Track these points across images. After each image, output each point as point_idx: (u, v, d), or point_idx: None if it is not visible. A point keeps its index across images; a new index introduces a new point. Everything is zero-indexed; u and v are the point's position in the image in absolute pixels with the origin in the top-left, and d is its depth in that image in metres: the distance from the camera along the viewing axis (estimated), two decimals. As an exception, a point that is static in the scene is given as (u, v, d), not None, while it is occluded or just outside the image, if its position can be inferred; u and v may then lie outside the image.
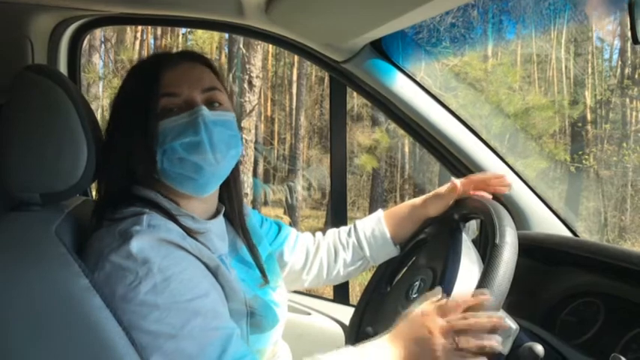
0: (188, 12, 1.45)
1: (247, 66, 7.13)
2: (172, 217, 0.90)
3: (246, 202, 1.16)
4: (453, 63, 7.75)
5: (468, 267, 1.00)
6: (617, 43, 10.49)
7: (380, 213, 1.28)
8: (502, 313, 0.85)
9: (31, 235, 0.84)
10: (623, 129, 9.73)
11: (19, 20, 1.39)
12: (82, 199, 1.07)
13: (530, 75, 9.96)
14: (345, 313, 1.60)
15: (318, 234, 1.30)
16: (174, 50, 1.03)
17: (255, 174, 9.61)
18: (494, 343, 0.81)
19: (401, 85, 1.46)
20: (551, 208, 1.48)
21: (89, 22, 1.56)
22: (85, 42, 1.71)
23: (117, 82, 8.98)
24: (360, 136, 9.62)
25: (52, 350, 0.77)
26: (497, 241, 0.91)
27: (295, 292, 1.74)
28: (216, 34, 10.20)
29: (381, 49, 1.46)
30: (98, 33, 9.15)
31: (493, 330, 0.81)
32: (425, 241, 1.21)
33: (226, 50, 10.26)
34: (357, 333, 1.19)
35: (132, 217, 0.86)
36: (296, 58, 10.59)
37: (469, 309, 0.84)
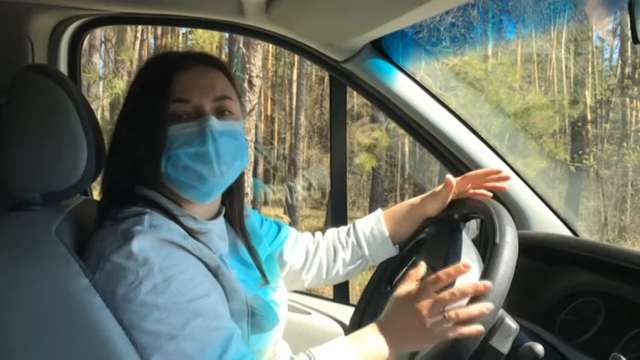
0: (188, 11, 1.45)
1: (247, 65, 7.12)
2: (174, 218, 0.90)
3: (247, 201, 1.16)
4: (453, 62, 7.75)
5: (468, 266, 1.00)
6: (617, 42, 10.49)
7: (379, 212, 1.28)
8: (502, 313, 0.85)
9: (32, 235, 0.84)
10: (623, 128, 9.73)
11: (19, 20, 1.39)
12: (83, 199, 1.07)
13: (531, 74, 9.96)
14: (345, 313, 1.60)
15: (318, 234, 1.30)
16: (187, 50, 1.01)
17: (255, 174, 9.62)
18: (484, 308, 0.82)
19: (401, 85, 1.46)
20: (551, 207, 1.48)
21: (89, 22, 1.56)
22: (85, 42, 1.71)
23: (117, 82, 8.99)
24: (360, 135, 9.62)
25: (52, 350, 0.77)
26: (497, 240, 0.91)
27: (295, 291, 1.74)
28: (216, 34, 10.20)
29: (381, 48, 1.46)
30: (98, 33, 9.16)
31: (476, 295, 0.83)
32: (425, 240, 1.21)
33: (226, 50, 10.25)
34: (357, 332, 1.19)
35: (133, 217, 0.86)
36: (296, 57, 10.59)
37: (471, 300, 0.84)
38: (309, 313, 1.66)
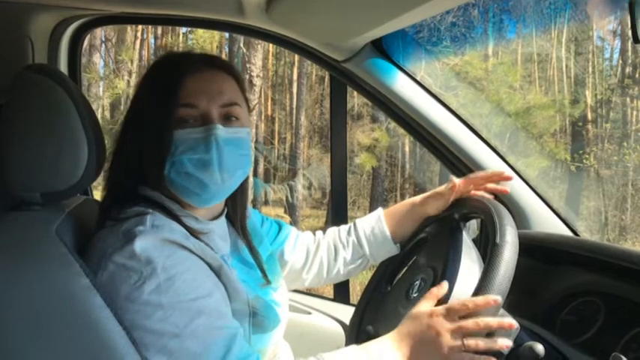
0: (189, 11, 1.45)
1: (248, 65, 7.13)
2: (176, 218, 0.90)
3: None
4: (454, 62, 7.75)
5: (469, 266, 1.00)
6: (617, 42, 10.49)
7: (380, 211, 1.27)
8: (503, 313, 0.85)
9: (32, 235, 0.84)
10: (624, 128, 9.73)
11: (19, 20, 1.39)
12: (83, 199, 1.07)
13: (531, 74, 9.97)
14: (346, 313, 1.60)
15: (319, 233, 1.30)
16: (196, 51, 1.00)
17: (255, 173, 9.62)
18: (504, 345, 0.82)
19: (401, 85, 1.46)
20: (551, 207, 1.48)
21: (89, 22, 1.56)
22: (86, 42, 1.71)
23: (118, 82, 8.99)
24: (360, 135, 9.62)
25: (53, 350, 0.77)
26: (497, 240, 0.91)
27: (296, 291, 1.74)
28: (216, 34, 10.21)
29: (381, 48, 1.46)
30: (99, 32, 9.16)
31: (499, 329, 0.83)
32: (425, 240, 1.21)
33: (227, 49, 10.26)
34: (357, 332, 1.19)
35: (135, 217, 0.86)
36: (296, 57, 10.60)
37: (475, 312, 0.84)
38: (310, 313, 1.66)
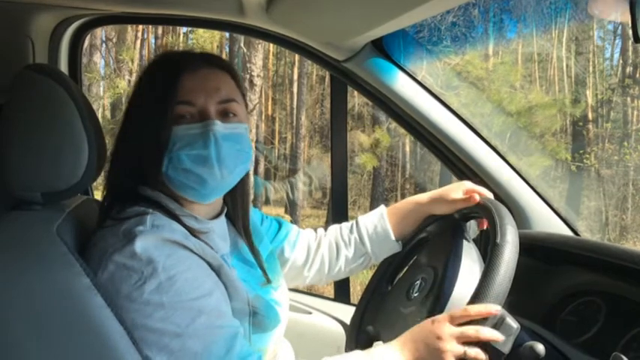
0: (189, 11, 1.45)
1: (248, 65, 7.12)
2: (176, 217, 0.90)
3: (248, 201, 1.16)
4: (455, 62, 7.75)
5: (469, 266, 1.00)
6: (618, 41, 10.48)
7: (382, 209, 1.26)
8: (503, 312, 0.85)
9: (32, 235, 0.84)
10: (624, 128, 9.73)
11: (20, 20, 1.39)
12: (84, 199, 1.07)
13: (532, 74, 9.96)
14: (346, 313, 1.60)
15: (320, 230, 1.30)
16: (192, 50, 1.01)
17: (256, 173, 9.62)
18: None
19: (402, 84, 1.46)
20: (552, 207, 1.48)
21: (90, 22, 1.56)
22: (86, 41, 1.71)
23: (119, 82, 8.99)
24: (360, 135, 9.62)
25: (53, 350, 0.77)
26: (498, 240, 0.91)
27: (296, 291, 1.74)
28: (217, 33, 10.21)
29: (381, 48, 1.46)
30: (99, 32, 9.16)
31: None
32: (426, 239, 1.20)
33: (227, 49, 10.26)
34: (357, 332, 1.19)
35: (135, 217, 0.86)
36: (297, 57, 10.59)
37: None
38: (310, 313, 1.66)
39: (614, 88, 10.14)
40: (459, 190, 1.15)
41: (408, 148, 10.94)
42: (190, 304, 0.82)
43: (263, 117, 11.60)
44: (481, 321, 0.84)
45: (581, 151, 9.02)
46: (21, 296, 0.78)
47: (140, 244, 0.81)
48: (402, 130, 8.12)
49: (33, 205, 0.89)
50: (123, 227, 0.84)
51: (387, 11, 1.14)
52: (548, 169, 8.23)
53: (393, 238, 1.22)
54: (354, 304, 1.66)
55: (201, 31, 10.19)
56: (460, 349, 0.83)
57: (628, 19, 0.82)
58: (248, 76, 7.02)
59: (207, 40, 10.57)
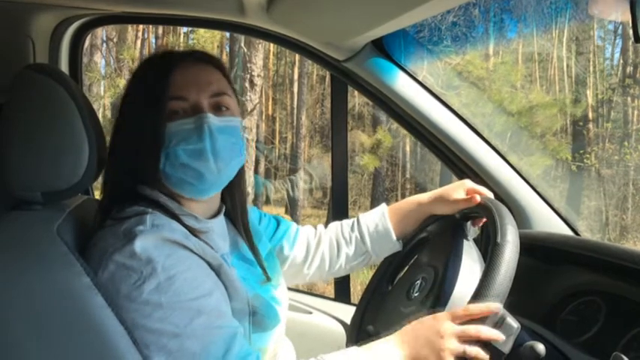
0: (189, 11, 1.45)
1: (248, 65, 7.12)
2: (175, 217, 0.90)
3: (248, 200, 1.16)
4: (456, 62, 7.75)
5: (470, 266, 1.00)
6: (618, 41, 10.48)
7: (384, 207, 1.26)
8: (504, 312, 0.85)
9: (32, 235, 0.84)
10: (625, 128, 9.72)
11: (20, 20, 1.39)
12: (84, 198, 1.07)
13: (532, 74, 9.96)
14: (346, 312, 1.60)
15: (320, 226, 1.29)
16: (184, 49, 1.02)
17: (256, 173, 9.62)
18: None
19: (402, 84, 1.46)
20: (552, 206, 1.48)
21: (90, 21, 1.56)
22: (87, 41, 1.71)
23: (119, 82, 8.99)
24: (361, 135, 9.61)
25: (53, 349, 0.77)
26: (498, 239, 0.91)
27: (296, 291, 1.74)
28: (217, 33, 10.20)
29: (382, 47, 1.46)
30: (100, 32, 9.16)
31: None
32: (426, 239, 1.20)
33: (227, 49, 10.26)
34: (358, 332, 1.19)
35: (135, 217, 0.86)
36: (297, 57, 10.59)
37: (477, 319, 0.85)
38: (311, 313, 1.66)
39: (614, 88, 10.14)
40: (459, 189, 1.15)
41: (408, 148, 10.93)
42: (189, 304, 0.82)
43: (263, 117, 11.60)
44: (482, 320, 0.84)
45: (581, 151, 9.01)
46: (21, 296, 0.78)
47: (140, 244, 0.81)
48: (402, 130, 8.12)
49: (33, 205, 0.89)
50: (123, 227, 0.84)
51: (387, 11, 1.14)
52: (549, 169, 8.23)
53: (393, 237, 1.22)
54: (354, 304, 1.66)
55: (201, 31, 10.18)
56: (460, 347, 0.83)
57: (628, 18, 0.82)
58: (248, 76, 7.01)
59: (207, 40, 10.57)
